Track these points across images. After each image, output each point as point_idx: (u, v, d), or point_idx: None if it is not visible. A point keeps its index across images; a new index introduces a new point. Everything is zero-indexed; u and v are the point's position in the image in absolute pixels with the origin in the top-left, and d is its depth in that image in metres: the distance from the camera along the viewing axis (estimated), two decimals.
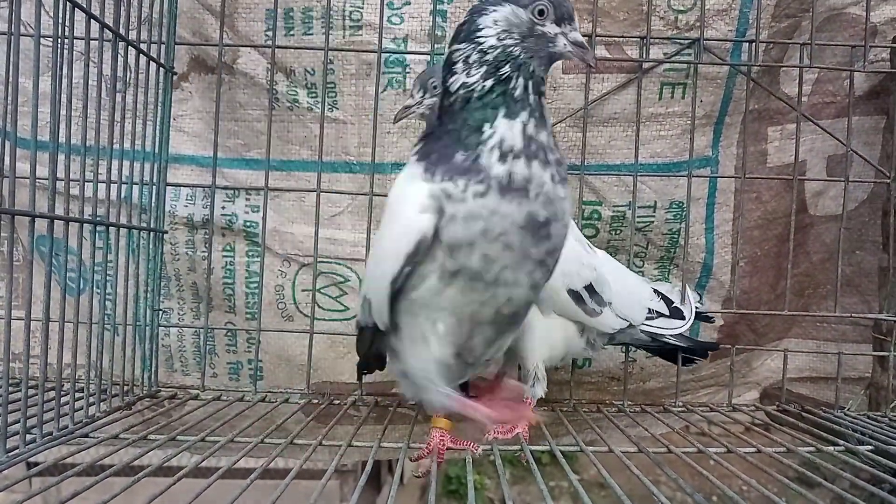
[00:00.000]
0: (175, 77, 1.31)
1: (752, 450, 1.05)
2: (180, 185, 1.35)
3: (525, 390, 1.12)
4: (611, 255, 1.26)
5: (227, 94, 1.33)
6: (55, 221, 0.95)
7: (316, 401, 1.30)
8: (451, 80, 0.82)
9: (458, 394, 0.95)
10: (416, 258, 0.81)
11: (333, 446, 1.04)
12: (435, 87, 1.04)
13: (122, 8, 1.10)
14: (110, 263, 1.12)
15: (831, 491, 0.90)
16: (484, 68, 0.80)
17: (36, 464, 1.06)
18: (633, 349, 1.37)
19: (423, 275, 0.83)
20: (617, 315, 1.13)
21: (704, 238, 1.39)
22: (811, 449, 1.07)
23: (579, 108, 1.29)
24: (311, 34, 1.28)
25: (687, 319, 1.21)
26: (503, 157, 0.78)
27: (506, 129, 0.79)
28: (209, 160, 1.31)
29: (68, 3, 0.96)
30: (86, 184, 1.04)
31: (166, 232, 1.34)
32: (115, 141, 1.09)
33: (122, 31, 1.10)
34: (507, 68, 0.80)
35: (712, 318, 1.36)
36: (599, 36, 1.26)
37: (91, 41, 1.01)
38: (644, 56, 1.26)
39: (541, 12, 0.80)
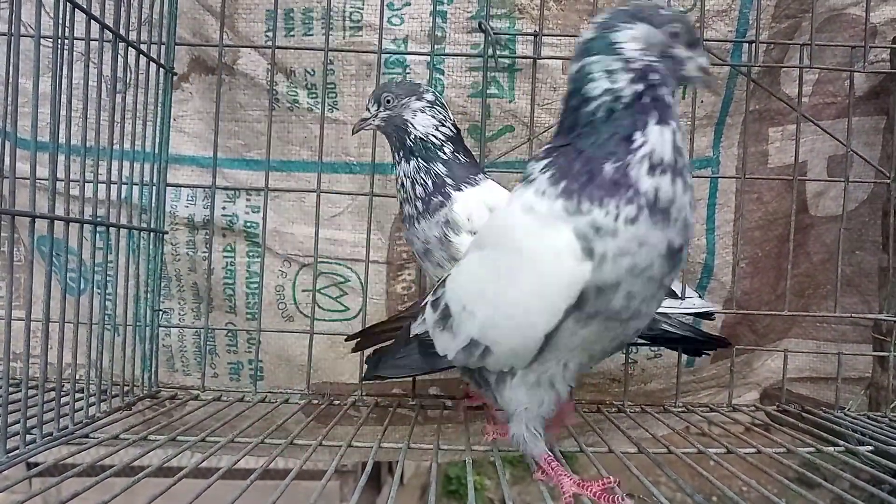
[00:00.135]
0: (175, 77, 1.31)
1: (752, 450, 1.05)
2: (181, 186, 1.35)
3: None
4: None
5: (228, 94, 1.33)
6: (55, 222, 0.95)
7: (316, 401, 1.30)
8: (588, 86, 0.77)
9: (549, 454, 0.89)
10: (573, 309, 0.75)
11: (333, 447, 1.04)
12: (388, 101, 1.10)
13: (123, 9, 1.10)
14: (111, 264, 1.12)
15: (831, 491, 0.89)
16: (631, 74, 0.76)
17: (36, 464, 1.06)
18: (634, 350, 1.37)
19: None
20: None
21: (705, 239, 1.39)
22: (811, 449, 1.07)
23: None
24: (312, 35, 1.28)
25: (688, 298, 1.20)
26: (652, 170, 0.74)
27: (657, 137, 0.75)
28: (209, 161, 1.31)
29: (68, 3, 0.96)
30: (86, 184, 1.05)
31: (166, 232, 1.34)
32: (115, 141, 1.09)
33: (122, 31, 1.10)
34: (654, 76, 0.76)
35: (713, 315, 1.35)
36: None
37: (91, 42, 1.01)
38: None
39: (674, 35, 0.77)
